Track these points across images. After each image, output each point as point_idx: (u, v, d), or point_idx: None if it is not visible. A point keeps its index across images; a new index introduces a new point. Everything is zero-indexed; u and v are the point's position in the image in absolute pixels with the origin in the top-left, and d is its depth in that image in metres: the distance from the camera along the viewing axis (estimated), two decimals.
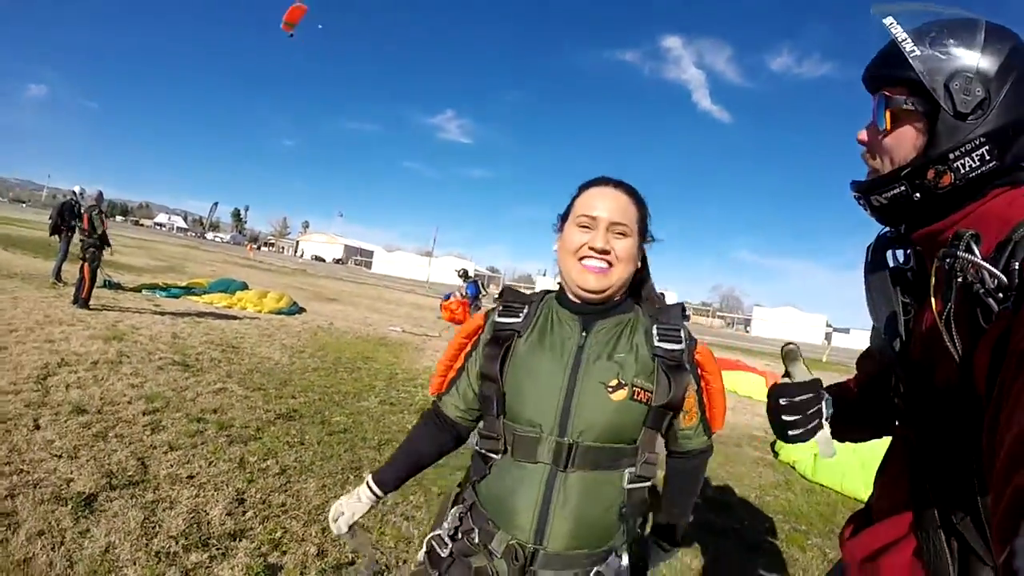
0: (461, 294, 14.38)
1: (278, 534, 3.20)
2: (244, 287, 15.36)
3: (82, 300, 9.20)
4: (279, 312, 13.50)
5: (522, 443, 1.31)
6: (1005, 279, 0.83)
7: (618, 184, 1.43)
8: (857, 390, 1.45)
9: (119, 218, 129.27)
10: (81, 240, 9.99)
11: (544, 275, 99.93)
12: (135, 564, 2.70)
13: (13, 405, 4.45)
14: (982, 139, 0.98)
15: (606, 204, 1.37)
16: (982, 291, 0.85)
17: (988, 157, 0.98)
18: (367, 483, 1.56)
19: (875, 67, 1.13)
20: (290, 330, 10.94)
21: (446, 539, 1.41)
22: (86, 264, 9.50)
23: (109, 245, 10.31)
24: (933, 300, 0.96)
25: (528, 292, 1.55)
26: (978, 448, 0.81)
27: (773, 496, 5.38)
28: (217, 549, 2.94)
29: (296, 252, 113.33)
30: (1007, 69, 0.98)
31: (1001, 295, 0.83)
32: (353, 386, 7.13)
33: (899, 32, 1.03)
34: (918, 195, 1.05)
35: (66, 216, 11.64)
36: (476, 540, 1.37)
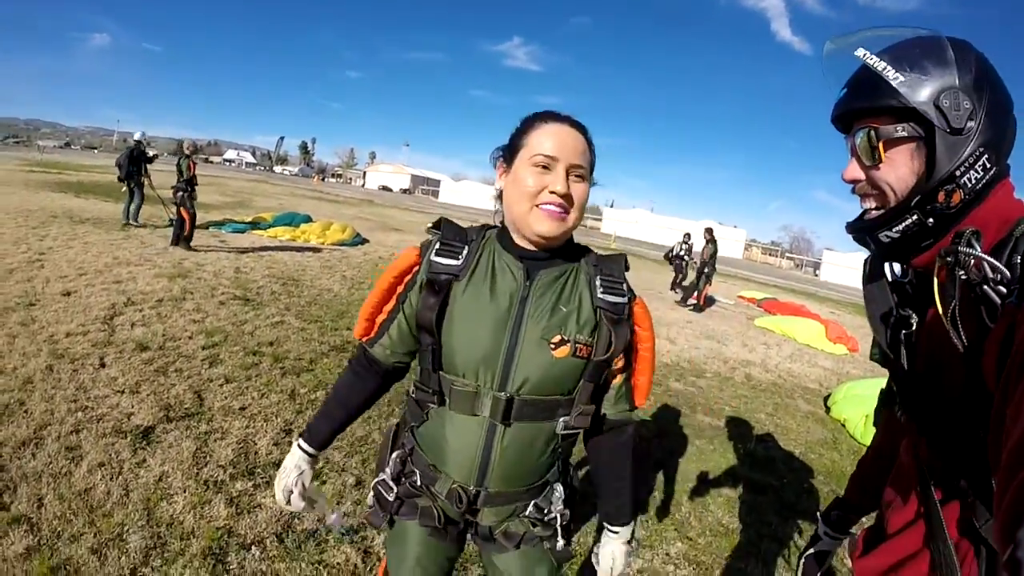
0: None
1: (320, 464, 3.37)
2: (308, 220, 15.80)
3: (184, 240, 10.05)
4: (342, 244, 13.89)
5: (460, 397, 1.31)
6: (1008, 273, 0.85)
7: (575, 122, 1.33)
8: (875, 458, 1.50)
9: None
10: (172, 187, 10.68)
11: (611, 206, 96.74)
12: (185, 492, 2.93)
13: (81, 346, 4.78)
14: (980, 149, 0.98)
15: (565, 144, 1.28)
16: (985, 286, 0.86)
17: (989, 165, 0.99)
18: (298, 446, 1.50)
19: (853, 101, 1.09)
20: (351, 262, 11.27)
21: (390, 483, 1.44)
22: (183, 208, 10.23)
23: (195, 186, 10.90)
24: (938, 300, 0.96)
25: (467, 227, 1.45)
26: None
27: (818, 454, 5.27)
28: (261, 478, 3.15)
29: (363, 183, 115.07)
30: (981, 79, 0.99)
31: (1004, 290, 0.85)
32: None
33: (876, 62, 1.02)
34: (931, 220, 1.03)
35: (136, 162, 12.52)
36: (419, 483, 1.42)
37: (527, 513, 1.41)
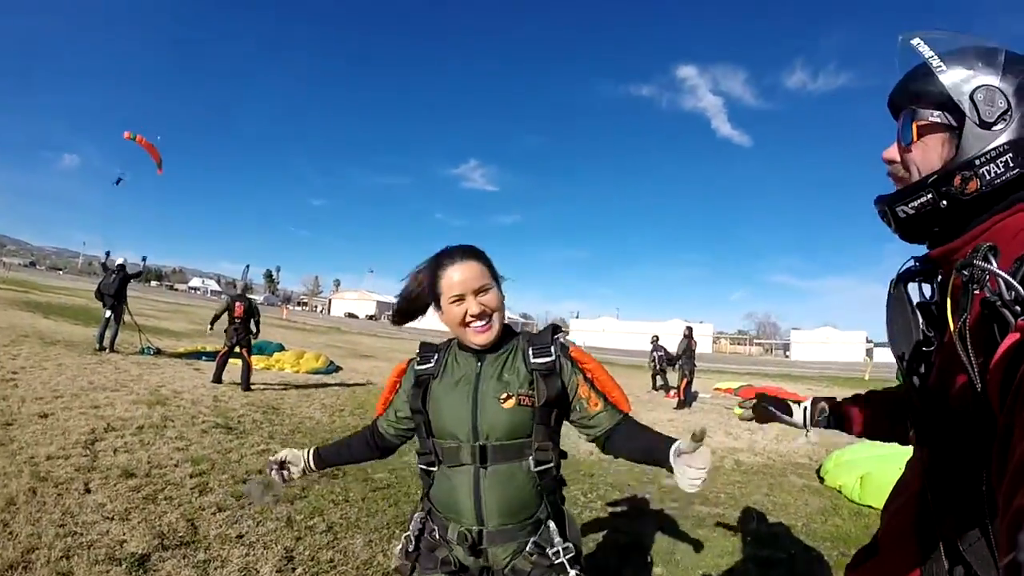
0: None
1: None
2: (281, 348, 15.78)
3: (246, 382, 10.11)
4: (316, 372, 13.84)
5: (448, 453, 1.75)
6: (1022, 291, 0.84)
7: (464, 253, 1.80)
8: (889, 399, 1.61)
9: (154, 283, 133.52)
10: (235, 329, 10.78)
11: (577, 317, 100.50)
12: None
13: (63, 470, 4.68)
14: (1005, 147, 1.06)
15: (464, 276, 1.74)
16: (999, 303, 0.86)
17: (1012, 164, 1.06)
18: (311, 451, 2.03)
19: (902, 85, 1.24)
20: (328, 389, 11.27)
21: (412, 538, 1.85)
22: (244, 349, 10.52)
23: (237, 326, 10.92)
24: (950, 314, 0.99)
25: (438, 343, 1.96)
26: (990, 468, 0.84)
27: (820, 523, 5.39)
28: None
29: (327, 311, 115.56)
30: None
31: (1018, 308, 0.84)
32: None
33: (926, 50, 1.13)
34: (944, 202, 1.12)
35: (123, 288, 12.94)
36: (436, 535, 1.80)
37: (529, 550, 1.73)
